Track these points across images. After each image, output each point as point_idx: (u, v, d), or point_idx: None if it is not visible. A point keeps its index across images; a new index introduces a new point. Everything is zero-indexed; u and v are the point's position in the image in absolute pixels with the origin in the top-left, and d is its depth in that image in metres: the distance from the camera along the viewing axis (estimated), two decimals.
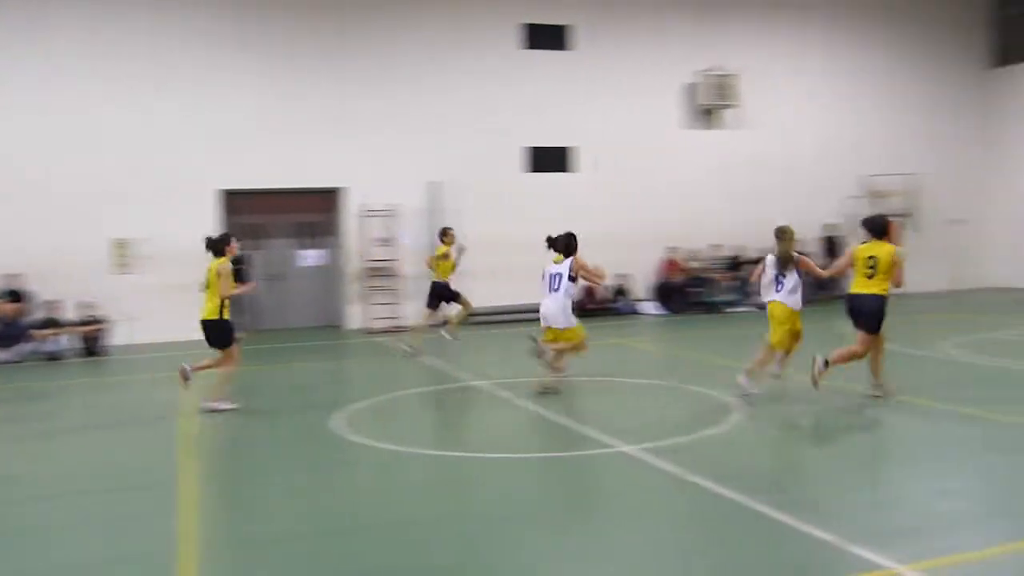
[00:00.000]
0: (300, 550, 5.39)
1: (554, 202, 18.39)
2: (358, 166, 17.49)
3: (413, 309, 17.80)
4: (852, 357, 8.95)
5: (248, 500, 6.56)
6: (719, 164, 20.05)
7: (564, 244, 10.10)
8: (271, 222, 17.91)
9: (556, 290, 9.87)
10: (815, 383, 8.87)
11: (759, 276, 9.68)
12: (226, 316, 9.55)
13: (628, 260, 19.04)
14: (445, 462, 7.47)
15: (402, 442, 8.00)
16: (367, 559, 5.26)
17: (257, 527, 5.92)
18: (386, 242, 17.58)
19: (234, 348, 9.71)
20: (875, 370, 9.11)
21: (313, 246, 18.42)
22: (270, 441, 8.52)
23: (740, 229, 19.91)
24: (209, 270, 9.58)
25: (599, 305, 18.74)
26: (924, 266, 21.32)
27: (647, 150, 19.54)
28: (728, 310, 18.67)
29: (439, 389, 10.96)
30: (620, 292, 19.05)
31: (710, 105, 19.73)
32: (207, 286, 9.54)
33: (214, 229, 16.68)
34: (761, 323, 9.86)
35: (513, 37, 18.75)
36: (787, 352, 9.48)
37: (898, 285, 8.89)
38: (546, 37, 18.95)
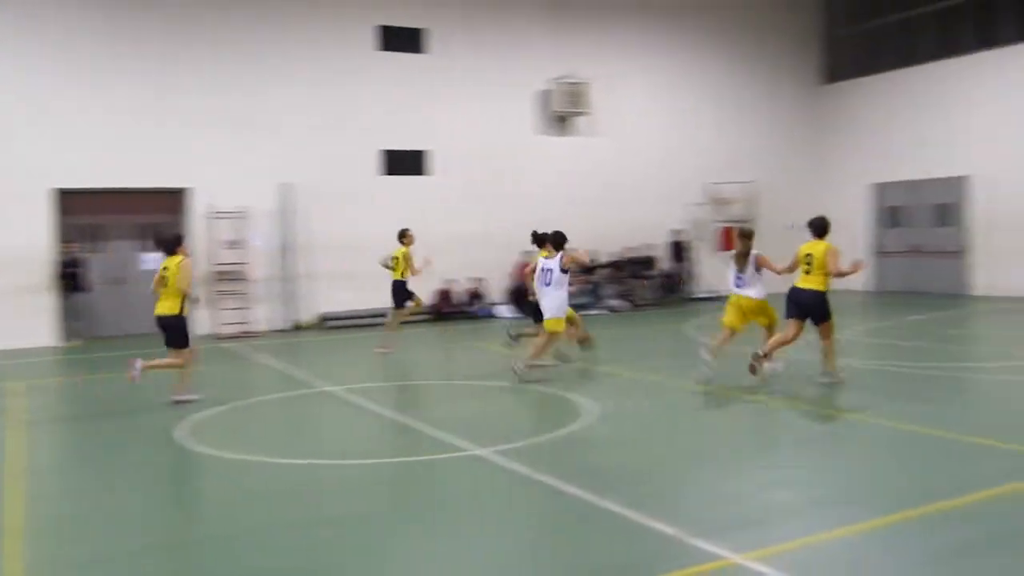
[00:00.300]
0: (139, 567, 5.13)
1: (409, 205, 18.34)
2: (206, 166, 16.88)
3: (265, 313, 17.37)
4: (784, 342, 9.81)
5: (81, 518, 6.20)
6: (571, 170, 20.49)
7: (555, 240, 10.77)
8: (111, 223, 17.03)
9: (549, 284, 10.65)
10: (755, 372, 9.69)
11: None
12: (185, 312, 9.73)
13: (483, 264, 19.22)
14: (295, 470, 7.29)
15: (250, 451, 7.76)
16: (212, 570, 5.07)
17: (90, 547, 5.59)
18: (235, 245, 17.05)
19: (192, 347, 9.92)
20: (828, 355, 9.83)
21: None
22: (108, 454, 8.08)
23: (592, 234, 20.39)
24: (165, 268, 9.70)
25: (455, 308, 18.80)
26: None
27: (502, 155, 19.75)
28: (581, 313, 19.01)
29: (289, 396, 10.69)
30: (475, 296, 19.15)
31: (563, 112, 20.13)
32: (165, 284, 9.65)
33: (47, 230, 15.77)
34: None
35: (369, 39, 18.56)
36: (770, 330, 10.31)
37: (835, 275, 9.68)
38: (402, 40, 18.85)
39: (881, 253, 22.73)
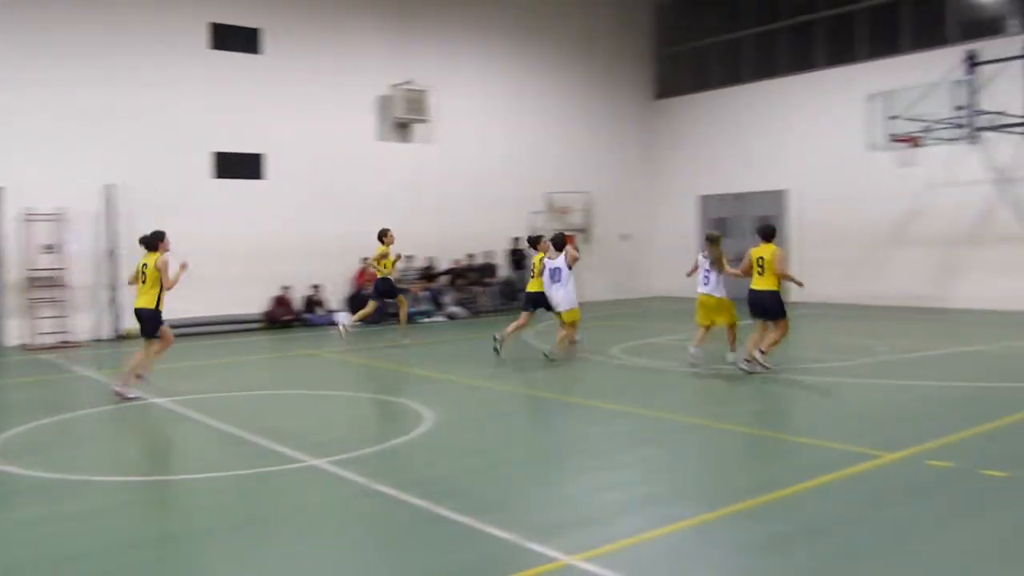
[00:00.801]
0: None
1: (244, 210, 17.81)
2: (20, 165, 15.78)
3: (84, 322, 16.39)
4: (777, 342, 10.94)
5: None
6: (412, 177, 20.44)
7: (556, 242, 12.54)
8: None
9: (559, 281, 12.29)
10: (761, 364, 10.75)
11: (693, 272, 12.00)
12: (161, 307, 10.34)
13: (321, 270, 18.87)
14: (119, 488, 6.89)
15: (68, 469, 7.28)
16: None
17: None
18: (52, 249, 16.01)
19: (166, 334, 10.52)
20: (772, 344, 10.83)
21: None
22: None
23: (432, 241, 20.45)
24: (145, 265, 10.30)
25: (292, 316, 18.35)
26: (597, 277, 23.19)
27: (341, 160, 19.47)
28: (423, 320, 19.02)
29: (111, 409, 10.10)
30: (313, 303, 18.76)
31: (403, 119, 20.03)
32: (144, 279, 10.26)
33: None
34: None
35: (201, 36, 17.86)
36: (731, 328, 11.64)
37: (783, 277, 10.70)
38: (236, 39, 18.24)
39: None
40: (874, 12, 20.57)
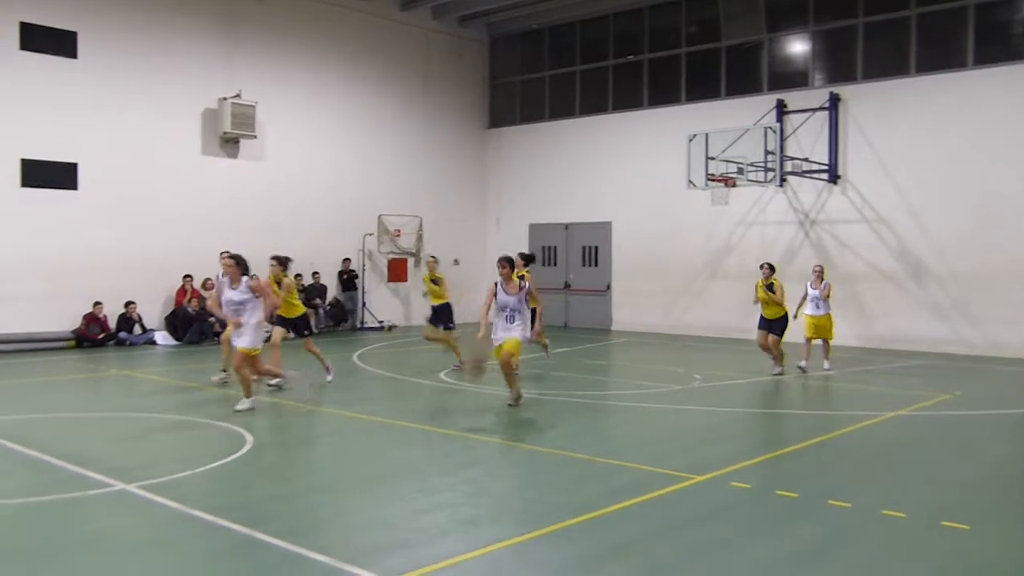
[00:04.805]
0: None
1: (54, 221, 16.82)
2: None
3: None
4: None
5: None
6: (237, 194, 19.86)
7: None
8: None
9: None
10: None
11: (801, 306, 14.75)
12: None
13: (133, 288, 17.97)
14: None
15: None
16: None
17: None
18: None
19: None
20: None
21: None
22: None
23: (259, 260, 19.87)
24: None
25: (106, 334, 17.41)
26: (425, 302, 23.23)
27: (161, 174, 18.66)
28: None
29: None
30: (127, 320, 17.84)
31: (230, 134, 19.45)
32: None
33: None
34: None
35: (12, 35, 16.73)
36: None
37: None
38: (48, 40, 17.15)
39: (540, 289, 24.35)
40: (696, 57, 21.80)
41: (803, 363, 14.31)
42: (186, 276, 18.59)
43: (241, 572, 5.26)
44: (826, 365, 14.65)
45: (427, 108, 24.21)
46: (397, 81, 23.45)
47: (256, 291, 10.38)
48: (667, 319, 21.84)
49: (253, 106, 19.58)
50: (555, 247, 24.31)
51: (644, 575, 5.29)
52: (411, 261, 23.04)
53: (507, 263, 10.73)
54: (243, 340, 10.33)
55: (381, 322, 22.10)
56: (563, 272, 24.11)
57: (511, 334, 10.55)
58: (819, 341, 14.88)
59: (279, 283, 12.22)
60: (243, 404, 10.30)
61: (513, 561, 5.49)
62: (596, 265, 23.42)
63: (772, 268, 14.10)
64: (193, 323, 18.23)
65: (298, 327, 12.69)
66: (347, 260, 21.94)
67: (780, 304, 13.83)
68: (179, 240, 18.64)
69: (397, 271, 22.85)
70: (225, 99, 19.30)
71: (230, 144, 19.82)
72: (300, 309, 12.73)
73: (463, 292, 24.38)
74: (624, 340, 20.48)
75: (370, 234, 22.28)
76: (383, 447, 9.00)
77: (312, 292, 20.58)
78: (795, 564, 5.54)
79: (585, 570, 5.34)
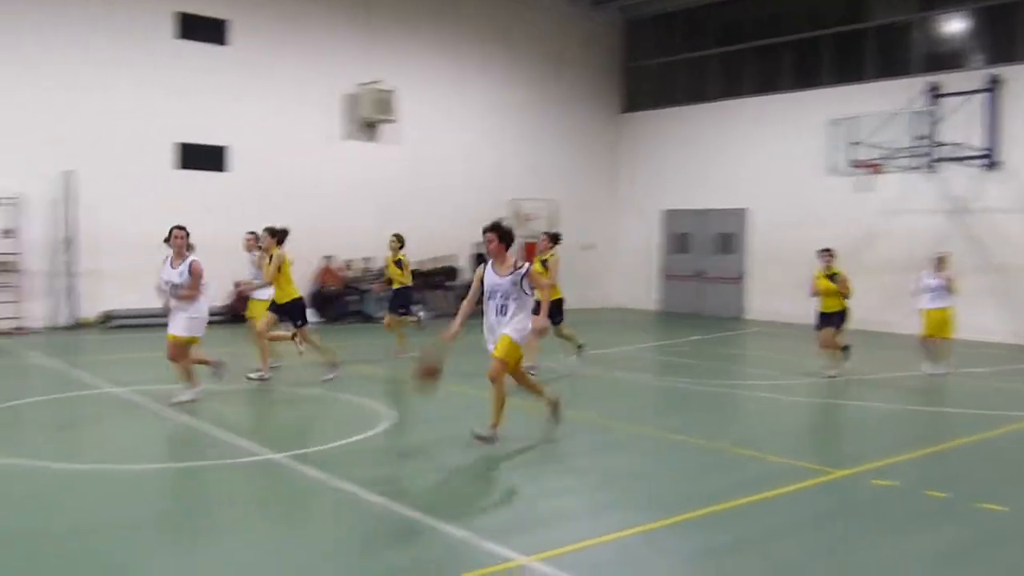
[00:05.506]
0: None
1: (206, 202, 17.66)
2: None
3: (40, 308, 16.18)
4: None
5: None
6: (374, 176, 20.41)
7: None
8: None
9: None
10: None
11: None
12: None
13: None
14: (72, 475, 6.85)
15: (17, 454, 7.23)
16: None
17: None
18: (8, 234, 15.77)
19: None
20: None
21: None
22: None
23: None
24: None
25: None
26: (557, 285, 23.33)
27: (304, 156, 19.40)
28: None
29: (63, 397, 10.00)
30: None
31: (369, 118, 20.02)
32: None
33: None
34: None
35: (168, 26, 17.70)
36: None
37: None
38: (203, 29, 18.08)
39: (670, 276, 24.14)
40: (839, 39, 20.99)
41: (931, 367, 12.76)
42: (326, 256, 19.28)
43: (380, 541, 5.44)
44: (941, 369, 12.85)
45: (560, 93, 24.21)
46: (531, 66, 23.54)
47: (193, 274, 9.18)
48: (803, 309, 21.12)
49: (391, 91, 20.07)
50: (687, 234, 23.91)
51: (774, 571, 5.18)
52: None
53: (496, 232, 8.05)
54: (177, 326, 9.19)
55: None
56: (696, 259, 23.72)
57: (503, 331, 7.74)
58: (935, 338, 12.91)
59: (270, 258, 10.85)
60: (187, 395, 9.28)
61: (642, 548, 5.47)
62: (731, 252, 22.91)
63: (832, 254, 12.58)
64: (334, 301, 18.92)
65: (292, 315, 10.97)
66: (479, 243, 22.19)
67: (844, 295, 12.34)
68: (319, 222, 19.32)
69: (529, 255, 22.98)
70: (365, 85, 19.87)
71: (369, 128, 20.39)
72: (294, 293, 10.94)
73: (592, 278, 24.35)
74: (757, 330, 20.00)
75: (503, 218, 22.44)
76: (516, 428, 9.09)
77: (430, 275, 20.85)
78: (936, 565, 5.31)
79: (713, 562, 5.27)
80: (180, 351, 9.23)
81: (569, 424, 9.02)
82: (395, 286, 13.58)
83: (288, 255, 10.94)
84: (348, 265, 19.83)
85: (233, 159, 18.54)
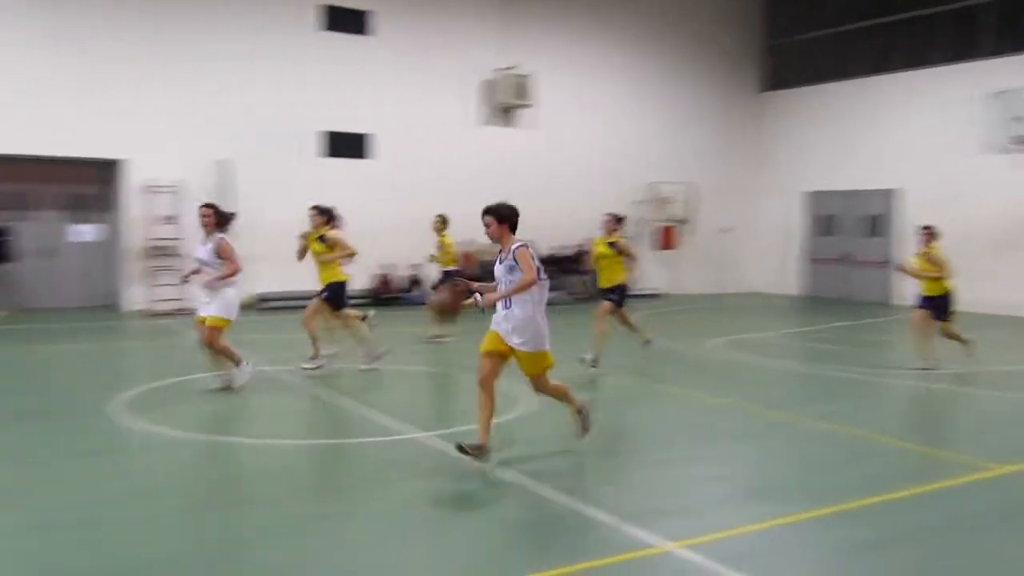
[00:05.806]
0: (49, 542, 5.11)
1: (349, 189, 18.23)
2: (141, 138, 16.60)
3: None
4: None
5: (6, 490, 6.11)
6: (512, 161, 20.58)
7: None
8: (37, 192, 16.64)
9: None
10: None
11: None
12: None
13: (422, 250, 19.13)
14: (225, 448, 7.28)
15: (180, 427, 7.71)
16: (119, 551, 5.05)
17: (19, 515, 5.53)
18: (171, 220, 16.77)
19: None
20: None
21: (88, 220, 17.28)
22: (33, 427, 7.94)
23: (530, 225, 20.49)
24: None
25: (393, 294, 18.79)
26: (694, 269, 23.03)
27: (443, 142, 19.78)
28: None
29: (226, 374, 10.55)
30: (415, 282, 19.16)
31: (507, 104, 20.21)
32: None
33: None
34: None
35: (312, 18, 18.38)
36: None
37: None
38: (346, 20, 18.71)
39: (814, 260, 23.37)
40: (1000, 5, 19.69)
41: None
42: (467, 240, 19.57)
43: (523, 523, 5.54)
44: None
45: (699, 73, 23.74)
46: (668, 46, 23.17)
47: (220, 255, 8.87)
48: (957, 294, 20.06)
49: (528, 76, 20.19)
50: (832, 216, 23.06)
51: (926, 569, 4.99)
52: (681, 229, 22.82)
53: (493, 215, 7.24)
54: (210, 308, 8.88)
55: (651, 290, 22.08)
56: (842, 242, 22.86)
57: (512, 341, 6.78)
58: None
59: (322, 238, 10.36)
60: (241, 377, 9.12)
61: (789, 538, 5.36)
62: (878, 235, 21.96)
63: (933, 233, 11.47)
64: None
65: (334, 298, 10.48)
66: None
67: (941, 277, 11.39)
68: (457, 206, 19.60)
69: (668, 239, 22.75)
70: (502, 70, 20.06)
71: (506, 113, 20.58)
72: (340, 276, 10.47)
73: (728, 262, 23.86)
74: (907, 315, 19.12)
75: (640, 201, 22.25)
76: (665, 415, 9.05)
77: (567, 260, 20.88)
78: None
79: (860, 558, 5.08)
80: (213, 335, 8.89)
81: (712, 411, 8.92)
82: (446, 267, 13.39)
83: (341, 235, 10.51)
84: (487, 249, 20.07)
85: (375, 146, 19.10)
